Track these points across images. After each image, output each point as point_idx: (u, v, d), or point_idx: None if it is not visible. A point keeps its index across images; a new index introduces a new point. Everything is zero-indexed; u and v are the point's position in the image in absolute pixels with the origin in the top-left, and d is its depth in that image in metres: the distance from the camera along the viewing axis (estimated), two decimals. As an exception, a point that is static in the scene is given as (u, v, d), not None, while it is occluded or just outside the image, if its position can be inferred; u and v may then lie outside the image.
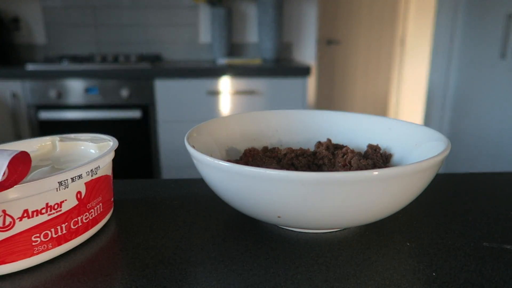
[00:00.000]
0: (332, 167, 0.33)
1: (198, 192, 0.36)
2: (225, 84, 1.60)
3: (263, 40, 1.88)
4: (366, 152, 0.34)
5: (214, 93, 1.60)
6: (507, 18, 1.77)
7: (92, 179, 0.26)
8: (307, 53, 2.10)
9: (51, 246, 0.24)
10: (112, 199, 0.31)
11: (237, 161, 0.34)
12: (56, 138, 0.34)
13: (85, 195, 0.26)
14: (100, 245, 0.27)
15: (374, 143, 0.36)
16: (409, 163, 0.25)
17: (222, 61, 1.79)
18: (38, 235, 0.23)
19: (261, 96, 1.62)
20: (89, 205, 0.26)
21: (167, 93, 1.65)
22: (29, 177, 0.25)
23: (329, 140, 0.36)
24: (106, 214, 0.29)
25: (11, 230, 0.22)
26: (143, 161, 1.77)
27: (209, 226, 0.29)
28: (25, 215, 0.23)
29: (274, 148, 0.37)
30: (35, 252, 0.24)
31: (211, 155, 0.25)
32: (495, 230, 0.29)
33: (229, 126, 0.37)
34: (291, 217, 0.24)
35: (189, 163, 1.75)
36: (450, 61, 2.31)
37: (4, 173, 0.20)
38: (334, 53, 3.16)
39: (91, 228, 0.27)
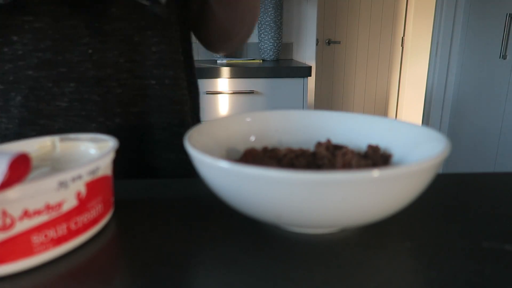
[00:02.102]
0: (332, 168, 0.33)
1: (198, 192, 0.36)
2: (225, 84, 1.61)
3: (263, 40, 1.88)
4: (366, 152, 0.34)
5: (214, 93, 1.60)
6: (508, 18, 1.77)
7: (92, 179, 0.26)
8: (307, 53, 2.10)
9: (51, 246, 0.24)
10: (112, 199, 0.31)
11: (237, 161, 0.34)
12: (56, 138, 0.34)
13: (85, 195, 0.26)
14: (100, 245, 0.27)
15: (374, 143, 0.36)
16: (409, 163, 0.25)
17: (222, 61, 1.79)
18: (38, 235, 0.23)
19: (261, 96, 1.62)
20: (89, 205, 0.26)
21: (167, 93, 1.64)
22: (29, 177, 0.25)
23: (329, 141, 0.36)
24: (106, 214, 0.29)
25: (11, 230, 0.22)
26: (143, 161, 1.76)
27: (209, 226, 0.29)
28: (25, 215, 0.23)
29: (274, 149, 0.37)
30: (35, 252, 0.24)
31: (211, 155, 0.25)
32: (495, 230, 0.29)
33: (229, 126, 0.37)
34: (291, 217, 0.24)
35: (189, 163, 1.74)
36: (450, 61, 2.31)
37: (4, 174, 0.20)
38: (334, 53, 3.16)
39: (91, 228, 0.27)
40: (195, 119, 0.60)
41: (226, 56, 1.92)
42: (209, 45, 0.65)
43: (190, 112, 0.56)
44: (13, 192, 0.22)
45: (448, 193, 0.36)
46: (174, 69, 0.52)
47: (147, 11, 0.39)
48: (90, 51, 0.45)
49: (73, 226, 0.25)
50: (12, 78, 0.44)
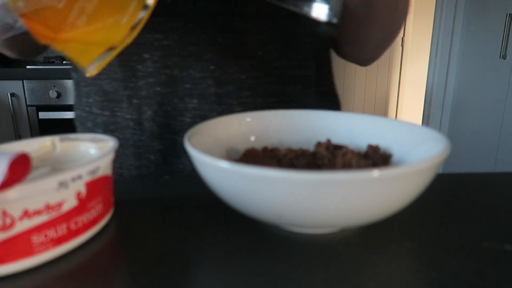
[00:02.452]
0: (332, 168, 0.33)
1: (198, 192, 0.36)
2: (225, 84, 1.60)
3: (263, 40, 1.88)
4: (366, 152, 0.34)
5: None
6: (508, 18, 1.77)
7: (92, 179, 0.26)
8: (307, 53, 2.10)
9: (51, 246, 0.24)
10: (112, 199, 0.31)
11: (237, 161, 0.34)
12: (56, 138, 0.34)
13: (85, 195, 0.26)
14: (100, 245, 0.27)
15: (374, 143, 0.36)
16: (409, 163, 0.25)
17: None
18: (38, 235, 0.23)
19: (261, 96, 1.62)
20: (89, 205, 0.26)
21: (167, 93, 1.64)
22: (29, 177, 0.25)
23: (329, 141, 0.36)
24: (106, 214, 0.29)
25: (11, 230, 0.22)
26: (143, 161, 1.76)
27: (209, 226, 0.29)
28: (25, 215, 0.23)
29: (274, 148, 0.37)
30: (35, 252, 0.24)
31: (211, 155, 0.25)
32: (495, 230, 0.29)
33: (229, 126, 0.37)
34: (291, 217, 0.24)
35: (189, 163, 1.75)
36: (450, 61, 2.31)
37: (4, 174, 0.20)
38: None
39: (91, 228, 0.27)
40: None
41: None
42: (339, 52, 0.58)
43: None
44: (13, 192, 0.22)
45: (448, 193, 0.36)
46: (295, 85, 0.49)
47: (320, 33, 0.34)
48: (212, 67, 0.45)
49: (73, 226, 0.25)
50: (144, 94, 0.46)
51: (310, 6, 0.34)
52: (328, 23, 0.33)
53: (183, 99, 0.46)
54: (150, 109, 0.46)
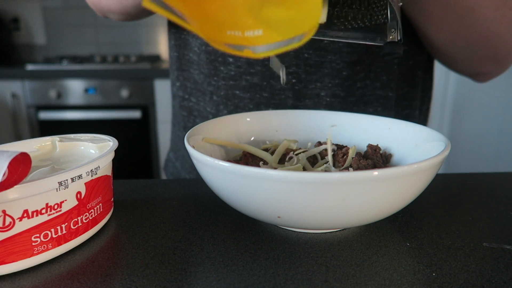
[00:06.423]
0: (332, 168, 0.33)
1: (198, 192, 0.36)
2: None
3: (263, 40, 1.88)
4: (366, 152, 0.34)
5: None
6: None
7: (92, 179, 0.26)
8: (307, 53, 2.09)
9: (51, 246, 0.24)
10: (112, 199, 0.31)
11: (237, 161, 0.34)
12: (56, 138, 0.34)
13: (85, 195, 0.26)
14: (100, 245, 0.27)
15: (374, 143, 0.36)
16: (409, 163, 0.25)
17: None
18: (38, 235, 0.23)
19: (261, 96, 1.62)
20: (89, 205, 0.26)
21: (167, 93, 1.65)
22: (29, 177, 0.25)
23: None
24: (106, 214, 0.29)
25: (11, 230, 0.22)
26: (143, 161, 1.77)
27: (209, 226, 0.29)
28: (25, 215, 0.23)
29: (274, 149, 0.37)
30: (35, 252, 0.24)
31: (211, 155, 0.25)
32: (495, 230, 0.29)
33: (228, 126, 0.37)
34: (291, 217, 0.24)
35: (189, 163, 1.74)
36: (450, 61, 2.30)
37: (4, 174, 0.20)
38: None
39: (91, 228, 0.27)
40: None
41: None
42: (449, 66, 0.51)
43: None
44: (13, 192, 0.22)
45: (448, 193, 0.36)
46: (375, 106, 0.48)
47: (383, 55, 0.31)
48: (294, 80, 0.45)
49: (73, 226, 0.25)
50: (223, 94, 0.48)
51: (369, 32, 0.33)
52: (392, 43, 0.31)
53: (258, 106, 0.47)
54: (226, 109, 0.48)
